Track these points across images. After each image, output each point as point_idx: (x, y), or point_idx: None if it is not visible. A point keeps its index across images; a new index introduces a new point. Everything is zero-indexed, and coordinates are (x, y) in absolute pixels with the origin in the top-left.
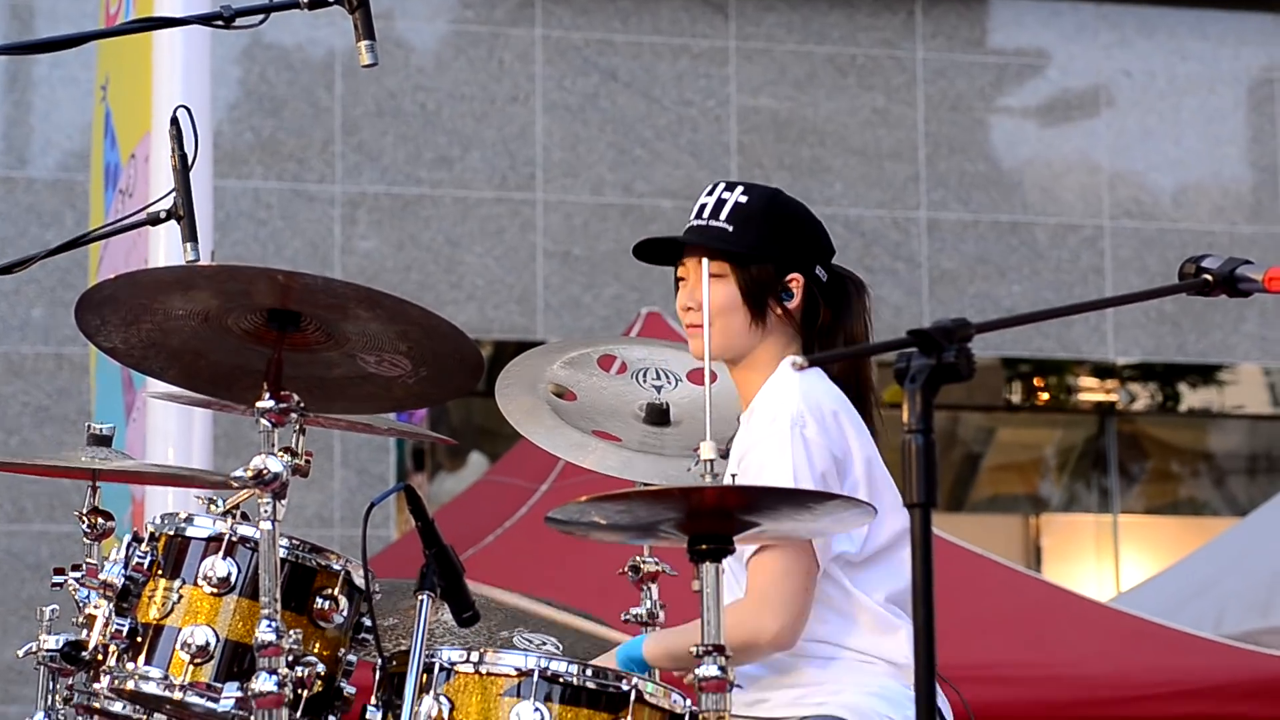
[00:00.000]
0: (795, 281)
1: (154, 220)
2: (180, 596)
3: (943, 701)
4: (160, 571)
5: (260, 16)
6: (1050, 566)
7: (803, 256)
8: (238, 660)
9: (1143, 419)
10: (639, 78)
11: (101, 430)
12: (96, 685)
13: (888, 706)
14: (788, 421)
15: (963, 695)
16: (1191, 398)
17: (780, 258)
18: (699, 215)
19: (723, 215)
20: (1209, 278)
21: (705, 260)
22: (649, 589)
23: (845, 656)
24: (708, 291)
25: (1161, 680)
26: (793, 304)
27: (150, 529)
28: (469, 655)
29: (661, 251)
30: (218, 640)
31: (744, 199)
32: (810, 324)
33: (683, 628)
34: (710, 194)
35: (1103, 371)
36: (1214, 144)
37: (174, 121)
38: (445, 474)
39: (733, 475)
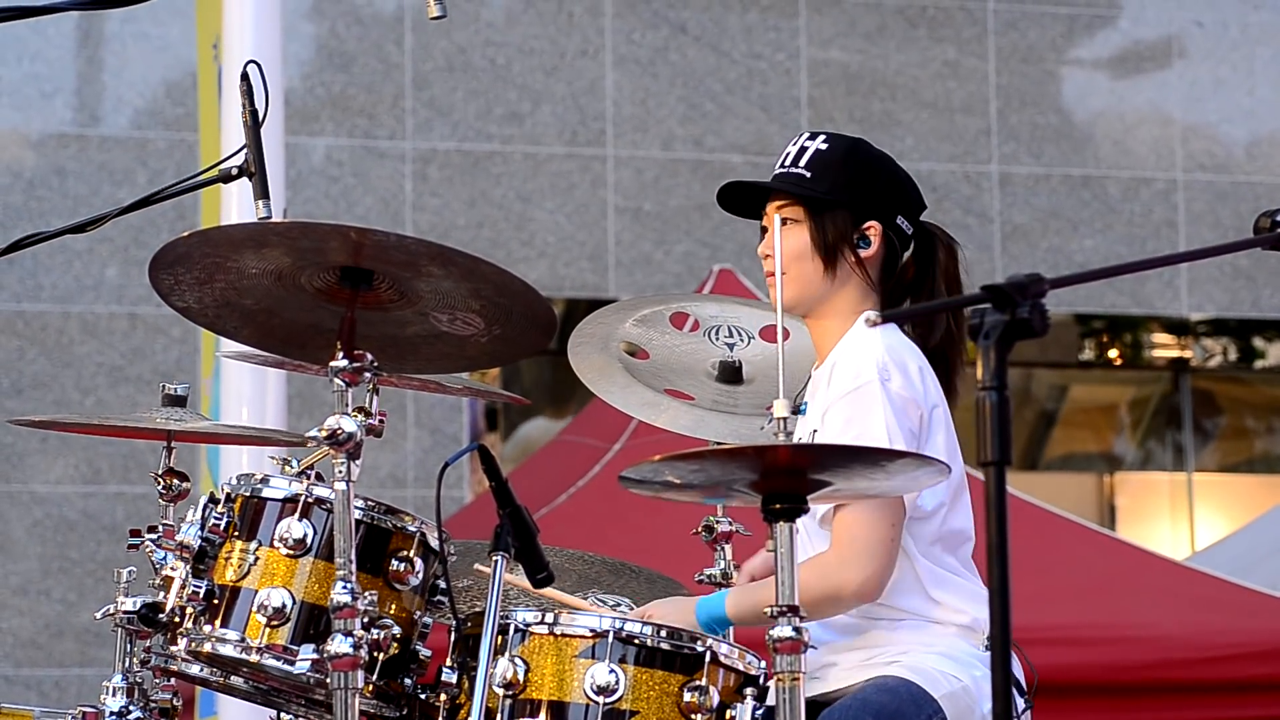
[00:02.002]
0: (873, 229)
1: (225, 177)
2: (256, 558)
3: (1015, 664)
4: (236, 533)
5: None
6: (1125, 525)
7: (882, 205)
8: (314, 622)
9: (1217, 375)
10: (708, 31)
11: (176, 391)
12: (173, 647)
13: (955, 666)
14: (875, 376)
15: (1028, 657)
16: (1266, 353)
17: (856, 204)
18: (781, 163)
19: (803, 162)
20: None
21: (777, 214)
22: (723, 549)
23: (912, 619)
24: (779, 239)
25: (1235, 641)
26: (868, 252)
27: (226, 490)
28: (544, 616)
29: (743, 202)
30: (294, 602)
31: (824, 146)
32: (889, 276)
33: (765, 582)
34: (794, 143)
35: (1177, 327)
36: None
37: (244, 77)
38: (518, 433)
39: (813, 431)
